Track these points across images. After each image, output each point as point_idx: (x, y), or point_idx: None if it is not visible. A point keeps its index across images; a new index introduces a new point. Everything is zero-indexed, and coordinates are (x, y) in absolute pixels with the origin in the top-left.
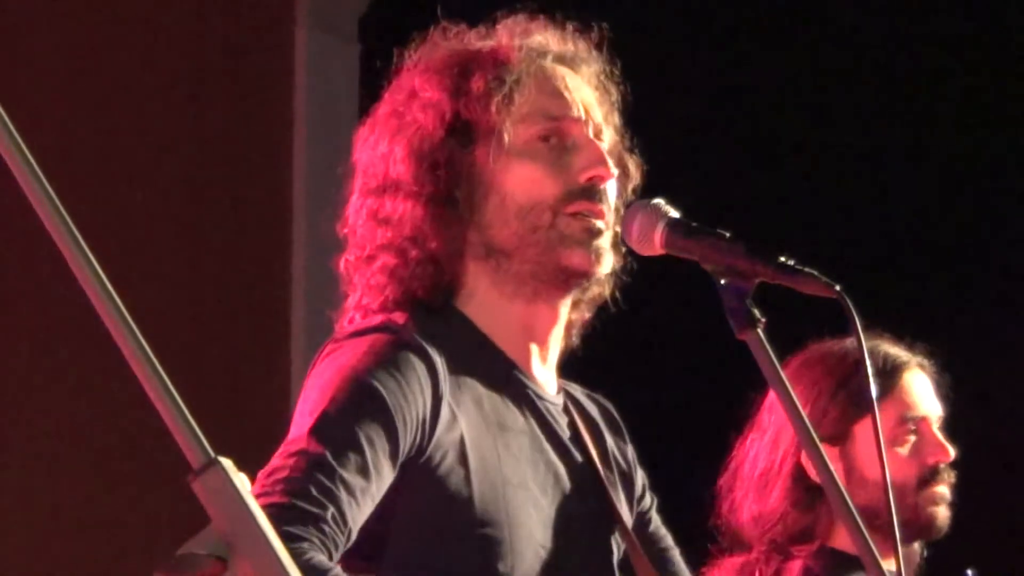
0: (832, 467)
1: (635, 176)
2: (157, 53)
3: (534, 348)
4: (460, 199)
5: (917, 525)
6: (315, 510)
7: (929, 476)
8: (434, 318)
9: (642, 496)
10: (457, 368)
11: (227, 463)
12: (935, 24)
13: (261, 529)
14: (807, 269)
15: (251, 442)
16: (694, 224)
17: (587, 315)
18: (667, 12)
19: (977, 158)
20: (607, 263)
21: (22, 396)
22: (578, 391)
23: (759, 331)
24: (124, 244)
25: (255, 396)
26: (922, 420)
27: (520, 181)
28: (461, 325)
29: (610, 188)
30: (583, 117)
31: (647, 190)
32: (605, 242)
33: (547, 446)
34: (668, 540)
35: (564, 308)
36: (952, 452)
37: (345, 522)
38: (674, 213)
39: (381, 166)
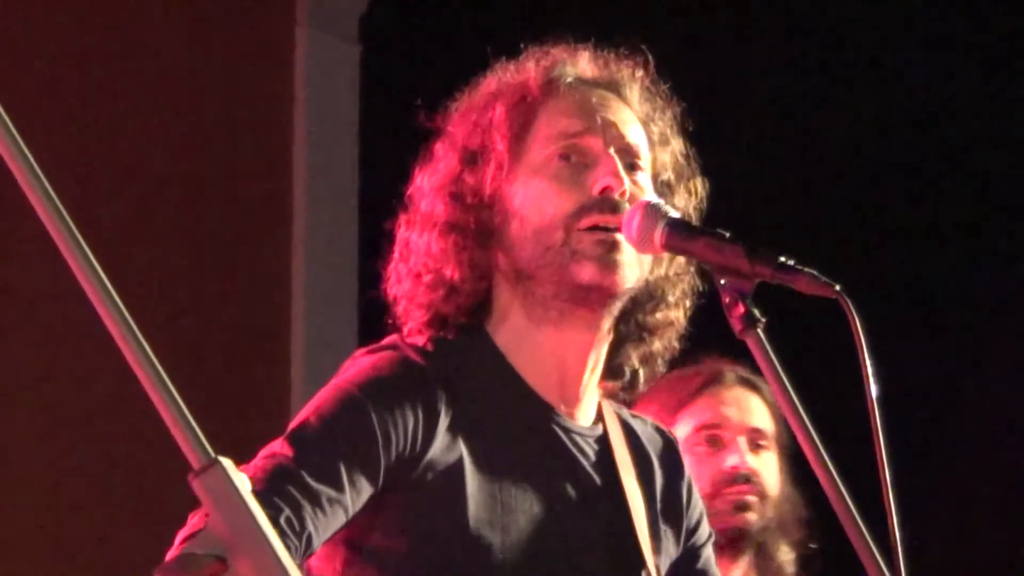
0: (832, 468)
1: (699, 195)
2: (157, 53)
3: (564, 377)
4: (482, 226)
5: None
6: (268, 512)
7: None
8: (461, 341)
9: (694, 530)
10: (471, 393)
11: (227, 463)
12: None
13: (261, 529)
14: (807, 269)
15: (251, 442)
16: (694, 224)
17: (674, 344)
18: (666, 11)
19: (986, 157)
20: (628, 276)
21: (22, 396)
22: (643, 424)
23: (759, 331)
24: (124, 244)
25: (255, 396)
26: (719, 427)
27: (533, 201)
28: (487, 351)
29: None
30: (604, 134)
31: None
32: (624, 255)
33: (565, 477)
34: None
35: (598, 334)
36: (750, 465)
37: (302, 527)
38: (674, 213)
39: (416, 202)
